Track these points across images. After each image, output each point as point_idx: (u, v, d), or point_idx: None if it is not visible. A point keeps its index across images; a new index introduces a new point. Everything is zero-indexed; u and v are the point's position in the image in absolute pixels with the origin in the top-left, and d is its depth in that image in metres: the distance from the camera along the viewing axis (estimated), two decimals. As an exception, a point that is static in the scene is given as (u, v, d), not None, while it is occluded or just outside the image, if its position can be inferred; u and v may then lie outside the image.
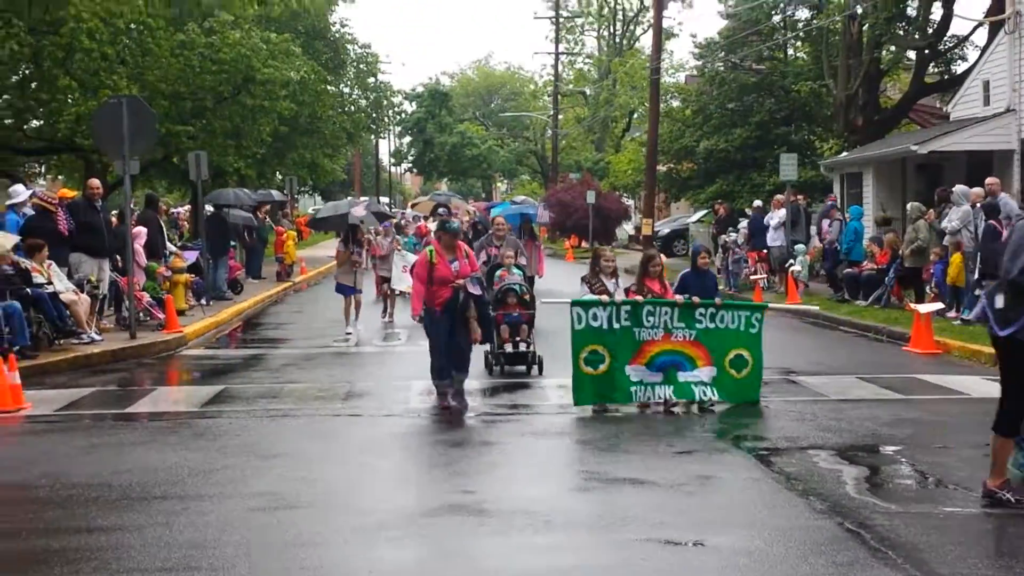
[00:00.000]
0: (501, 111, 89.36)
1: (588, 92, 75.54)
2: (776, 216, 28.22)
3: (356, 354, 18.79)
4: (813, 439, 11.39)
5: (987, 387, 14.53)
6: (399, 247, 23.20)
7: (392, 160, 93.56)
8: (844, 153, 34.62)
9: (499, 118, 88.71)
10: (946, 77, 38.01)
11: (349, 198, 35.27)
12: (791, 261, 26.92)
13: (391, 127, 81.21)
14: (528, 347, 15.92)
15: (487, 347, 15.58)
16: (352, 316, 20.95)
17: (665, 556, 7.66)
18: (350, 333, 20.52)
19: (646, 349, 12.99)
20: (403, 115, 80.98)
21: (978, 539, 7.88)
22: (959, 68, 37.52)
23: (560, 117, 72.91)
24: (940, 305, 19.96)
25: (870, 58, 34.63)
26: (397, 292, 23.32)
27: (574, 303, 12.99)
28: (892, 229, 25.14)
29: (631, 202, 63.69)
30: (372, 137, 77.12)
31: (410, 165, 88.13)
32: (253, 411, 13.37)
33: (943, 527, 8.19)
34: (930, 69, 38.11)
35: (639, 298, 13.26)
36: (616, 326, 12.92)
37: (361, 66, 51.63)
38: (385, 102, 56.48)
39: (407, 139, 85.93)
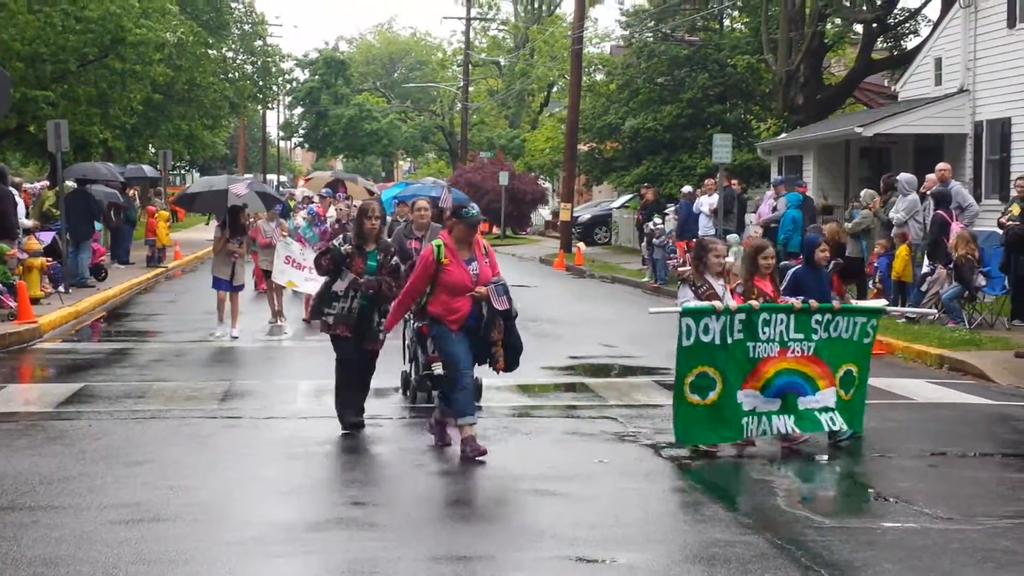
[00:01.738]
0: (405, 82, 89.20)
1: (502, 62, 75.63)
2: (708, 202, 28.50)
3: (236, 350, 18.65)
4: (742, 446, 11.52)
5: (933, 391, 14.87)
6: (284, 234, 21.59)
7: (281, 134, 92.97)
8: (783, 134, 35.09)
9: (403, 89, 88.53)
10: (895, 53, 38.76)
11: (227, 175, 34.92)
12: (723, 252, 27.14)
13: (280, 97, 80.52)
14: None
15: (407, 367, 14.12)
16: (227, 316, 19.84)
17: (578, 575, 7.70)
18: (221, 335, 19.52)
19: (762, 369, 11.26)
20: (294, 84, 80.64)
21: (917, 556, 8.04)
22: (909, 44, 38.30)
23: (471, 89, 72.93)
24: (883, 301, 20.27)
25: (813, 31, 35.15)
26: (287, 287, 22.10)
27: (686, 312, 11.01)
28: (834, 218, 25.48)
29: (548, 184, 63.97)
30: (259, 108, 76.44)
31: (301, 140, 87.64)
32: (116, 412, 13.20)
33: (880, 543, 8.35)
34: (878, 44, 38.82)
35: (755, 303, 11.31)
36: (729, 340, 11.10)
37: (246, 28, 51.24)
38: (274, 69, 56.15)
39: (298, 111, 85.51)
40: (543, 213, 60.59)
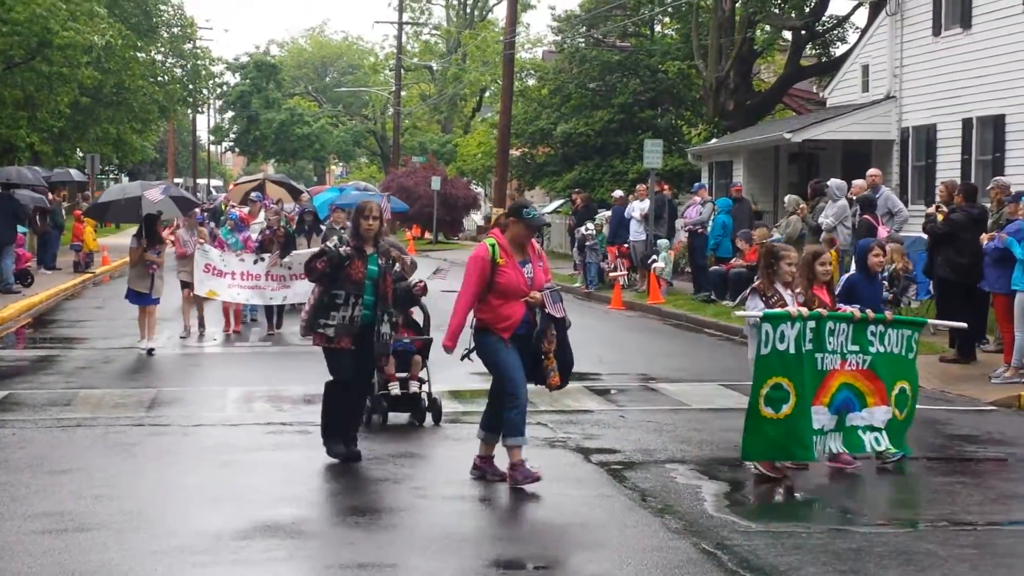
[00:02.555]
0: (337, 86, 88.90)
1: (435, 67, 75.57)
2: (639, 208, 28.64)
3: (164, 357, 18.47)
4: (671, 452, 11.59)
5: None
6: (201, 241, 20.10)
7: (212, 138, 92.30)
8: (714, 140, 35.34)
9: (334, 94, 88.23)
10: (824, 60, 39.16)
11: (141, 181, 34.46)
12: (654, 257, 27.34)
13: (211, 101, 79.98)
14: (421, 387, 13.03)
15: None
16: (147, 331, 18.59)
17: (505, 581, 7.72)
18: (150, 350, 18.39)
19: (828, 383, 10.66)
20: (224, 87, 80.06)
21: (841, 559, 8.12)
22: (838, 51, 38.70)
23: (403, 94, 72.80)
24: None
25: (743, 38, 35.45)
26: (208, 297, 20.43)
27: (766, 317, 10.33)
28: (763, 223, 25.73)
29: (481, 189, 63.98)
30: (189, 111, 75.89)
31: (232, 144, 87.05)
32: (41, 420, 13.04)
33: (806, 547, 8.42)
34: (807, 51, 39.21)
35: (822, 311, 10.65)
36: (803, 350, 10.41)
37: (176, 31, 50.84)
38: (204, 72, 55.73)
39: (229, 115, 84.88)
40: (475, 218, 60.59)
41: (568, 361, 10.24)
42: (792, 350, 10.29)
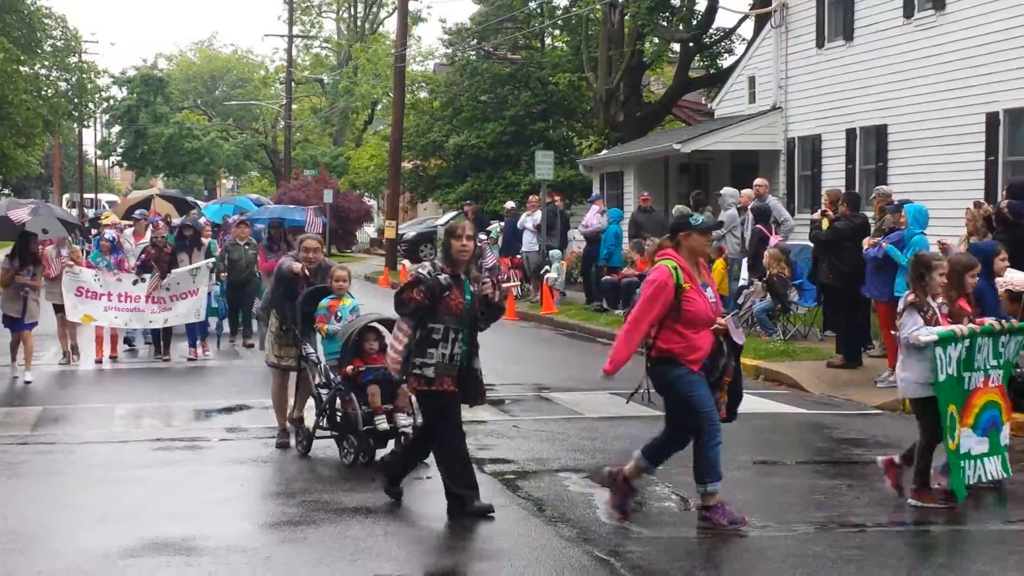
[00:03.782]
0: (227, 99, 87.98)
1: (326, 80, 75.22)
2: (531, 219, 28.75)
3: (50, 374, 18.12)
4: (565, 461, 11.63)
5: (749, 402, 15.11)
6: (69, 264, 18.67)
7: (99, 153, 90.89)
8: (604, 151, 35.56)
9: (224, 107, 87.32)
10: (712, 72, 39.58)
11: (9, 199, 33.64)
12: (547, 268, 27.45)
13: (97, 115, 78.80)
14: (410, 420, 11.59)
15: (317, 419, 11.98)
16: (26, 358, 17.42)
17: (398, 593, 7.67)
18: (27, 381, 17.02)
19: (972, 402, 9.94)
20: (111, 102, 78.92)
21: (732, 563, 8.20)
22: (725, 63, 39.14)
23: (294, 107, 72.28)
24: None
25: (632, 50, 35.74)
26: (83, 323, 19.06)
27: (941, 340, 9.59)
28: (635, 233, 25.88)
29: (373, 202, 63.76)
30: (74, 125, 74.67)
31: (119, 158, 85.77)
32: (-78, 441, 12.72)
33: (697, 552, 8.50)
34: (695, 63, 39.61)
35: (975, 326, 9.95)
36: (960, 372, 9.80)
37: (60, 44, 50.03)
38: (89, 86, 54.90)
39: (116, 129, 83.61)
40: (368, 231, 60.35)
41: (740, 392, 9.49)
42: (954, 371, 9.69)
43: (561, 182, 37.15)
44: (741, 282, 21.03)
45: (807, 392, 15.89)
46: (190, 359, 19.25)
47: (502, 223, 30.90)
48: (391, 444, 11.52)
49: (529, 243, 28.57)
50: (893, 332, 12.86)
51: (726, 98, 31.92)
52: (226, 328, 21.72)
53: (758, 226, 21.01)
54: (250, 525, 9.34)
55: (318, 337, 12.04)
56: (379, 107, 70.95)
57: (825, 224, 17.86)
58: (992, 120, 21.22)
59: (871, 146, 24.84)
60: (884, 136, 24.28)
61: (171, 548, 8.59)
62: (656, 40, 38.46)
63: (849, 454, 12.11)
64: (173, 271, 19.01)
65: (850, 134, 25.40)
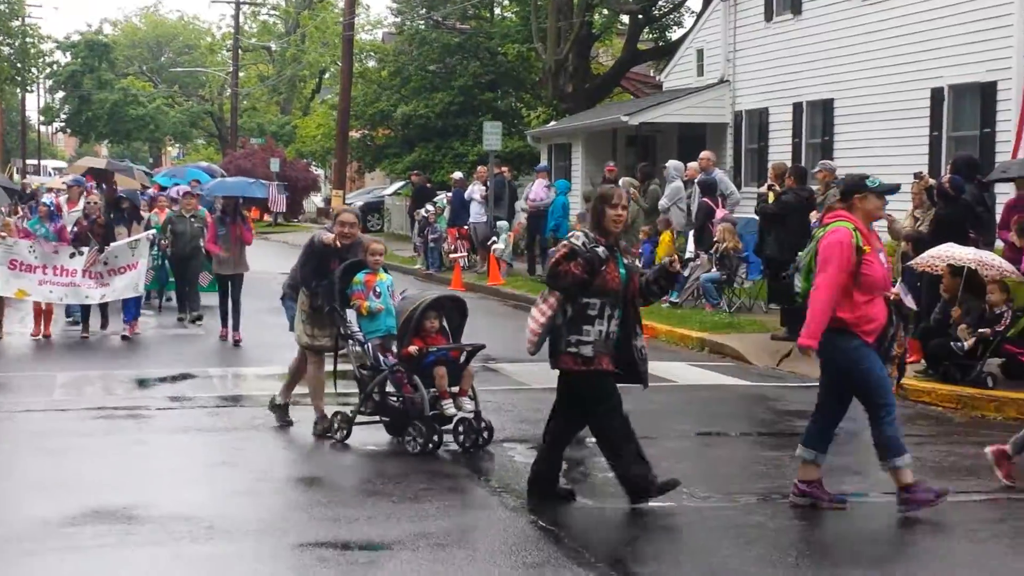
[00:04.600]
0: (173, 66, 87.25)
1: (273, 47, 74.64)
2: (479, 190, 28.70)
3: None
4: (511, 431, 11.65)
5: (694, 374, 15.31)
6: (2, 236, 17.86)
7: (42, 119, 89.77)
8: (552, 122, 35.56)
9: (170, 74, 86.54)
10: (660, 44, 39.63)
11: None
12: (494, 239, 27.44)
13: (40, 80, 77.82)
14: (472, 404, 10.97)
15: (360, 404, 11.14)
16: None
17: (340, 562, 7.66)
18: None
19: None
20: (55, 67, 77.94)
21: (676, 534, 8.26)
22: (674, 35, 39.22)
23: (241, 75, 71.71)
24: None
25: (581, 21, 35.66)
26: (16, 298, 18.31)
27: None
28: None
29: (321, 171, 63.44)
30: (18, 91, 73.70)
31: (63, 125, 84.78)
32: None
33: (641, 523, 8.54)
34: (644, 35, 39.63)
35: None
36: None
37: (3, 7, 49.34)
38: (33, 50, 54.19)
39: (60, 95, 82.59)
40: (315, 200, 60.03)
41: (904, 367, 9.09)
42: None
43: (509, 153, 37.10)
44: (688, 254, 21.11)
45: (751, 364, 16.01)
46: (124, 336, 18.14)
47: (449, 194, 30.81)
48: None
49: (476, 214, 28.52)
50: None
51: (674, 71, 31.97)
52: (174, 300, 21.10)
53: (704, 199, 21.08)
54: (193, 494, 9.28)
55: (350, 315, 11.14)
56: (327, 76, 70.51)
57: (771, 198, 17.95)
58: (937, 96, 21.41)
59: (817, 120, 24.99)
60: (830, 110, 24.43)
61: (113, 516, 8.53)
62: (605, 11, 38.44)
63: (792, 426, 12.18)
64: (112, 244, 18.12)
65: (797, 108, 25.54)
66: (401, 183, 46.00)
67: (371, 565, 7.60)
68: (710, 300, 19.97)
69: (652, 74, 41.67)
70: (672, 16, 39.49)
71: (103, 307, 18.79)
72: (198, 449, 11.01)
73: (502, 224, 28.02)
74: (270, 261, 26.07)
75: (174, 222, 20.11)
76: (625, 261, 8.85)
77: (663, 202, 22.01)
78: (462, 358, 11.01)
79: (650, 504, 8.85)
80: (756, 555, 7.81)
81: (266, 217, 51.97)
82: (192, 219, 19.92)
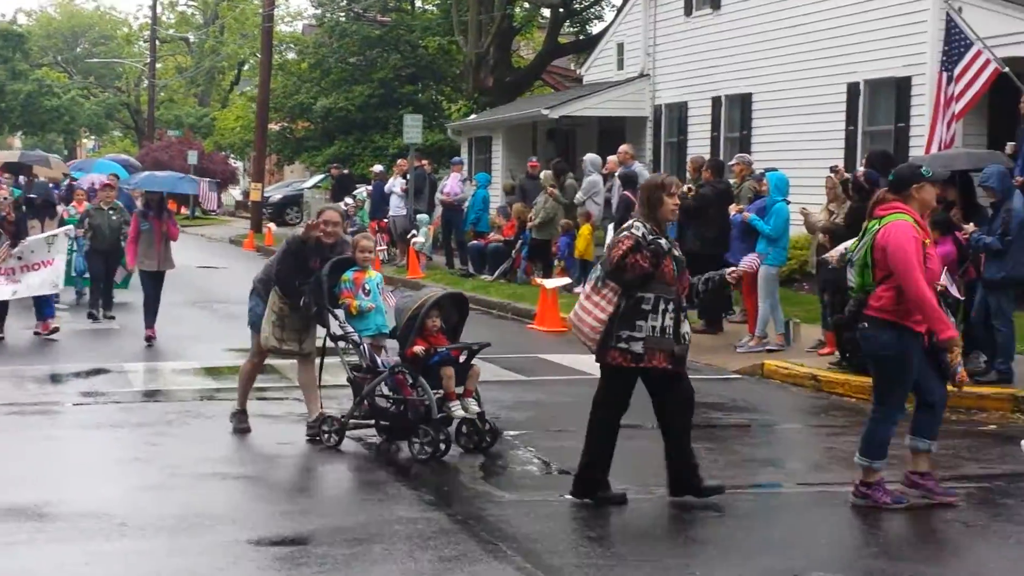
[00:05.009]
0: (89, 57, 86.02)
1: (192, 39, 73.94)
2: (399, 183, 28.62)
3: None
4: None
5: (612, 367, 15.34)
6: None
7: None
8: (473, 115, 35.54)
9: (86, 65, 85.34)
10: (581, 38, 39.75)
11: None
12: (414, 232, 27.38)
13: (-48, 70, 76.41)
14: (480, 407, 10.62)
15: (353, 408, 10.74)
16: None
17: (255, 558, 7.61)
18: None
19: None
20: (-33, 57, 76.61)
21: (590, 525, 8.30)
22: (594, 29, 39.34)
23: (158, 66, 71.02)
24: (567, 280, 20.86)
25: (502, 14, 35.68)
26: None
27: None
28: (519, 198, 26.00)
29: (239, 164, 62.96)
30: (-72, 81, 72.34)
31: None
32: None
33: (556, 515, 8.58)
34: (565, 28, 39.73)
35: None
36: None
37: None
38: (-57, 39, 53.21)
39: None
40: (234, 193, 59.58)
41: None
42: None
43: (430, 146, 37.08)
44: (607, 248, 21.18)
45: (670, 357, 16.07)
46: (37, 333, 17.45)
47: (369, 187, 30.71)
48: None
49: (396, 207, 28.45)
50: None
51: (595, 64, 32.08)
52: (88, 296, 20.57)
53: (626, 192, 21.16)
54: (105, 490, 9.18)
55: (341, 315, 10.70)
56: (246, 68, 69.97)
57: (689, 192, 18.07)
58: (853, 90, 21.67)
59: (736, 114, 25.19)
60: (749, 104, 24.64)
61: (23, 514, 8.41)
62: (526, 5, 38.51)
63: (708, 418, 12.28)
64: (28, 239, 17.46)
65: (716, 102, 25.72)
66: (321, 176, 45.79)
67: (286, 560, 7.56)
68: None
69: (573, 68, 41.78)
70: (593, 10, 39.65)
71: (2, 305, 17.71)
72: (111, 445, 10.90)
73: (422, 217, 27.98)
74: (188, 255, 25.81)
75: (92, 215, 19.34)
76: (677, 254, 8.62)
77: (579, 196, 22.11)
78: (462, 357, 10.61)
79: (566, 497, 8.89)
80: (671, 545, 7.88)
81: (183, 210, 51.49)
82: (111, 212, 19.21)
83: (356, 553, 7.62)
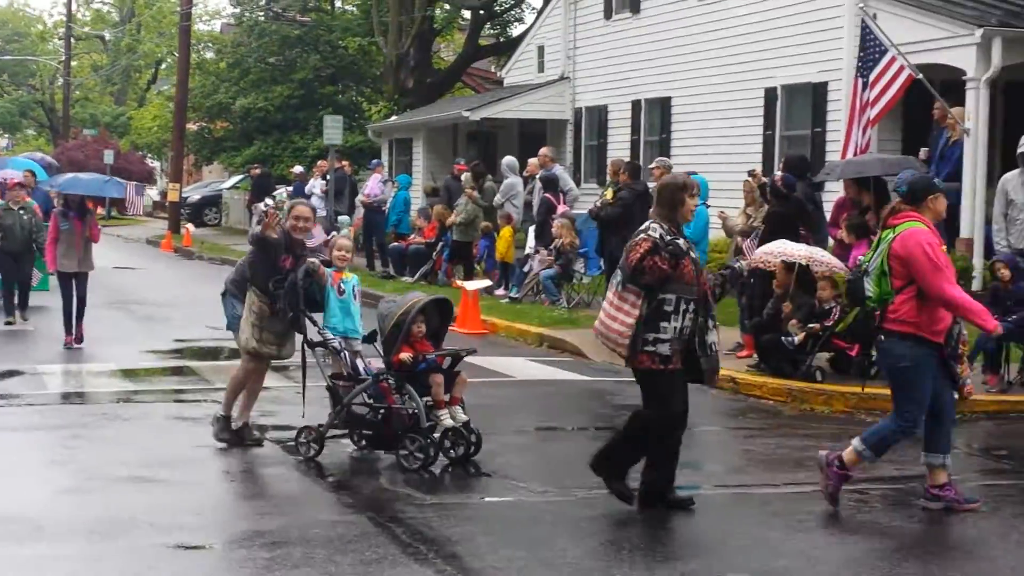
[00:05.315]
0: (1, 54, 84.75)
1: (108, 37, 73.10)
2: (319, 184, 28.52)
3: None
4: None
5: (533, 369, 15.45)
6: None
7: None
8: (394, 117, 35.50)
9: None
10: (502, 40, 39.85)
11: None
12: (334, 234, 27.23)
13: None
14: (466, 415, 10.37)
15: (332, 417, 10.35)
16: None
17: (172, 562, 7.56)
18: None
19: None
20: None
21: (511, 528, 8.33)
22: (515, 31, 39.46)
23: (74, 64, 70.09)
24: (488, 282, 20.93)
25: (423, 15, 35.69)
26: None
27: None
28: (441, 200, 26.02)
29: (156, 164, 62.34)
30: None
31: None
32: None
33: (477, 517, 8.61)
34: (485, 31, 39.80)
35: None
36: None
37: None
38: None
39: None
40: (151, 193, 58.98)
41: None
42: None
43: (350, 147, 36.97)
44: (528, 250, 21.27)
45: (589, 359, 16.18)
46: None
47: (289, 188, 30.57)
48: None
49: (317, 209, 28.28)
50: None
51: (516, 67, 32.18)
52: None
53: (546, 195, 21.26)
54: (21, 494, 9.07)
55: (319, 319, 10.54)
56: (163, 66, 69.28)
57: (610, 194, 18.20)
58: (770, 95, 21.93)
59: (655, 118, 25.39)
60: (668, 108, 24.84)
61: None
62: (447, 6, 38.51)
63: (624, 419, 12.37)
64: None
65: (635, 105, 25.90)
66: (240, 177, 45.49)
67: (204, 564, 7.52)
68: (549, 296, 20.16)
69: (493, 70, 41.87)
70: (513, 12, 39.77)
71: None
72: (27, 448, 10.76)
73: (343, 219, 27.87)
74: (105, 256, 25.51)
75: (2, 215, 18.63)
76: (694, 255, 8.65)
77: (497, 198, 22.20)
78: (445, 363, 10.35)
79: (487, 499, 8.93)
80: (590, 547, 7.94)
81: (100, 210, 50.85)
82: (22, 212, 18.57)
83: (276, 557, 7.59)
